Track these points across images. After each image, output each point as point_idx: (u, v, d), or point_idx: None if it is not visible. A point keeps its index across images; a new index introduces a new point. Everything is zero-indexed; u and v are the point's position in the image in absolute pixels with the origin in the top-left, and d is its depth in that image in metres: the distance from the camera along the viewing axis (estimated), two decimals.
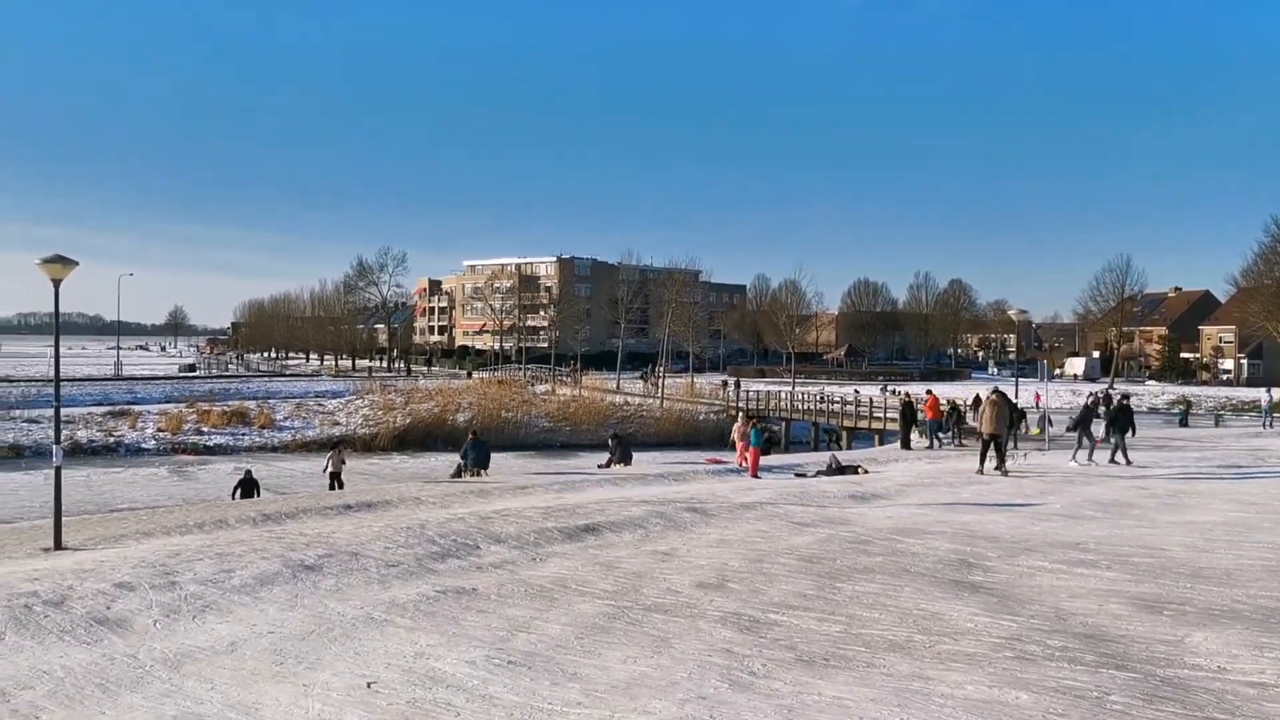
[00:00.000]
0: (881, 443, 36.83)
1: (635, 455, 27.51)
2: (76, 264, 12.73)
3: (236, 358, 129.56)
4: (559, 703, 5.45)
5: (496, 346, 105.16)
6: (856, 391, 51.48)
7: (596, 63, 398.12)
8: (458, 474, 24.55)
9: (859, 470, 21.79)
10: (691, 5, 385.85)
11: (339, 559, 9.92)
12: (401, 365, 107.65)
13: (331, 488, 23.67)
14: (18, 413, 46.68)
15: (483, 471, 23.86)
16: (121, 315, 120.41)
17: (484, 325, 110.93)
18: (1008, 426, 20.39)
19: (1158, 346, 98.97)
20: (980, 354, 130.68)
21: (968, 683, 5.56)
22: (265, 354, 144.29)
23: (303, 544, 10.85)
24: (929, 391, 33.00)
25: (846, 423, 44.56)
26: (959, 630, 6.81)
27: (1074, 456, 20.94)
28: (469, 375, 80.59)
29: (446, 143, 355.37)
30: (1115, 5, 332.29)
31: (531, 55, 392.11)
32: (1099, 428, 22.25)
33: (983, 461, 19.51)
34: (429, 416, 49.05)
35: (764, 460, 22.58)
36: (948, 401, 31.84)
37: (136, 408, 50.56)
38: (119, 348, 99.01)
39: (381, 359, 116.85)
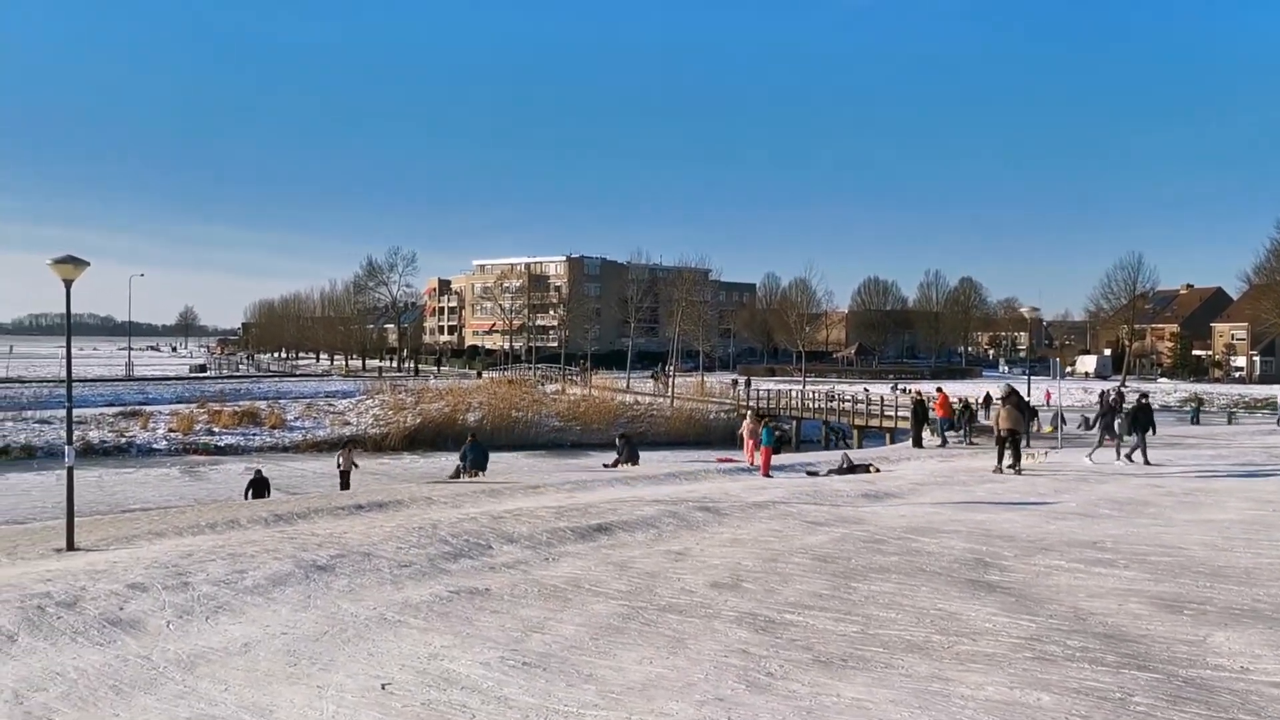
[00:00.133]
0: (892, 441, 36.76)
1: (646, 455, 27.49)
2: (88, 264, 12.73)
3: (247, 358, 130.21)
4: (575, 704, 5.41)
5: (506, 346, 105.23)
6: (866, 390, 51.48)
7: (607, 62, 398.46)
8: (456, 475, 24.60)
9: (871, 469, 21.70)
10: (702, 5, 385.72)
11: (351, 559, 9.90)
12: (411, 365, 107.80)
13: (343, 486, 23.82)
14: (30, 413, 47.02)
15: (481, 473, 23.90)
16: (132, 316, 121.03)
17: (494, 325, 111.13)
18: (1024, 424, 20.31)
19: (1169, 344, 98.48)
20: (991, 352, 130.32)
21: (988, 684, 5.50)
22: (276, 354, 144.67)
23: (315, 544, 10.83)
24: (939, 390, 32.88)
25: (857, 421, 44.56)
26: (977, 630, 6.74)
27: (1090, 455, 20.83)
28: (479, 375, 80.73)
29: (456, 142, 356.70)
30: (1120, 5, 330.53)
31: (542, 54, 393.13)
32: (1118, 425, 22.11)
33: (1000, 459, 19.42)
34: (439, 416, 49.16)
35: (775, 459, 22.52)
36: (959, 400, 31.70)
37: (148, 408, 50.89)
38: (130, 348, 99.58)
39: (391, 359, 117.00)
